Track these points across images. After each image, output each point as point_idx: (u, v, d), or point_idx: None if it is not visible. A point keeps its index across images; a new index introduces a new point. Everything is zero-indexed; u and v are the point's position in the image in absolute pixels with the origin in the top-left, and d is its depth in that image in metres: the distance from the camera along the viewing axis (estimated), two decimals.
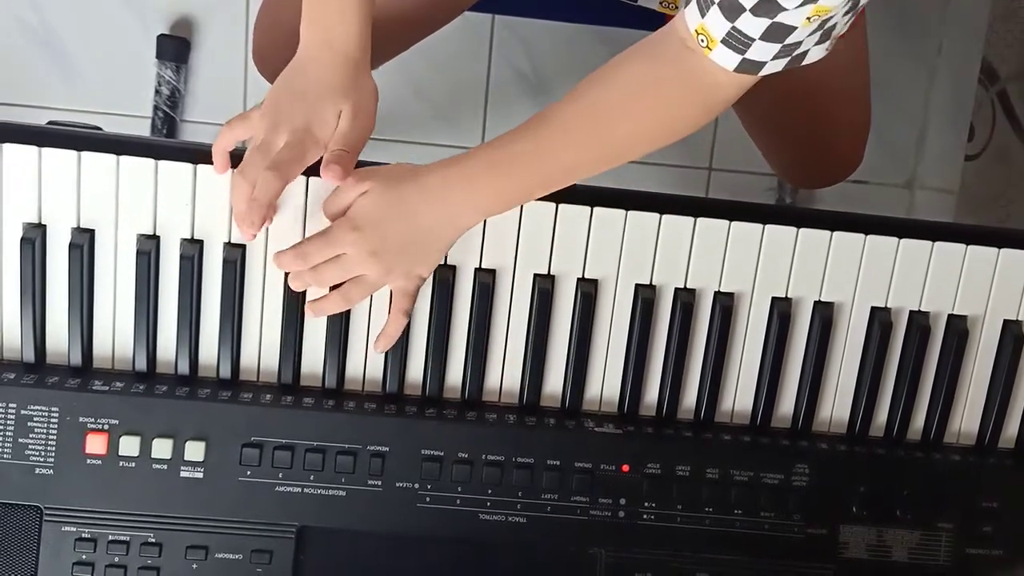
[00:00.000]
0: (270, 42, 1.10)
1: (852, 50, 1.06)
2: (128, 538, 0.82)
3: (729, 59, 0.75)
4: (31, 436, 0.81)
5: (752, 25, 0.72)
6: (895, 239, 0.87)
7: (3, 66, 1.52)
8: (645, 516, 0.85)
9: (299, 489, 0.83)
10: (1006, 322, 0.89)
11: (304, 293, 0.84)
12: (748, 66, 0.75)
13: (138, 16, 1.52)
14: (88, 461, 0.81)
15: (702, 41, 0.75)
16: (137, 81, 1.52)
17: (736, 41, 0.74)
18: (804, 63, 0.77)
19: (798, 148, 1.18)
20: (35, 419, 0.81)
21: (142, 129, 1.53)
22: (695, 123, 0.81)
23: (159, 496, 0.82)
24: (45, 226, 0.82)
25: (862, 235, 0.87)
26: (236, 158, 0.82)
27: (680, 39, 0.77)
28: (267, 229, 0.83)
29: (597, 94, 0.80)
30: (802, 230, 0.86)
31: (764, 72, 0.76)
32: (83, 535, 0.82)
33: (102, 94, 1.53)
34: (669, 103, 0.80)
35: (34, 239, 0.82)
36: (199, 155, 0.83)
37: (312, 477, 0.83)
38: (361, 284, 0.82)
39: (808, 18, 0.71)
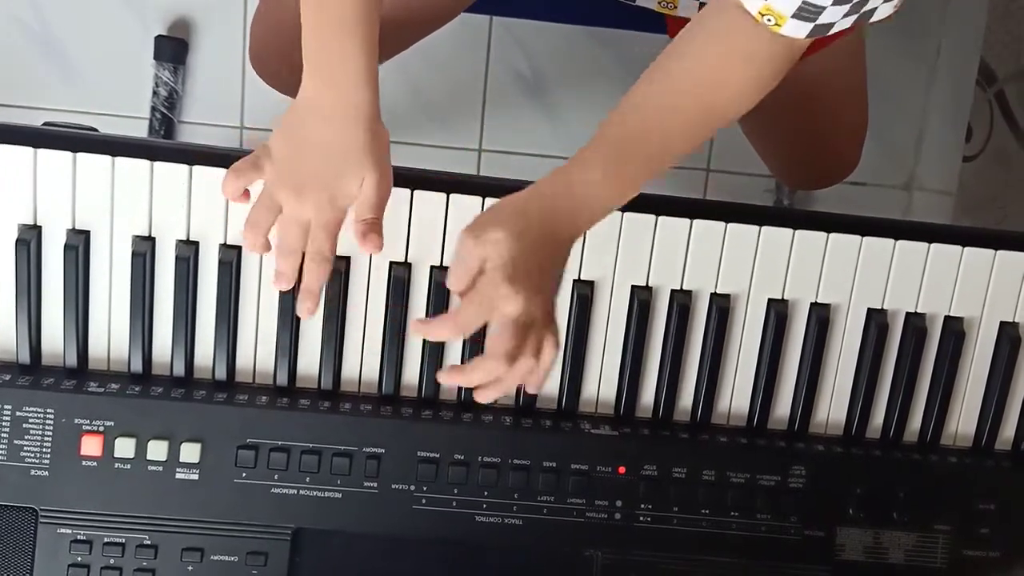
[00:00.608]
0: (267, 43, 1.10)
1: (850, 51, 1.06)
2: (124, 540, 0.82)
3: (800, 29, 0.75)
4: (26, 438, 0.81)
5: None
6: (891, 241, 0.87)
7: (1, 66, 1.52)
8: (641, 518, 0.85)
9: (295, 491, 0.83)
10: (1003, 324, 0.89)
11: (294, 299, 0.84)
12: (819, 30, 0.75)
13: (136, 17, 1.52)
14: (84, 463, 0.81)
15: (769, 20, 0.75)
16: (135, 82, 1.52)
17: (807, 12, 0.73)
18: (871, 21, 0.77)
19: (796, 149, 1.18)
20: (30, 421, 0.81)
21: (140, 130, 1.53)
22: (766, 86, 0.80)
23: (155, 498, 0.82)
24: (40, 227, 0.82)
25: (858, 237, 0.87)
26: (228, 159, 0.81)
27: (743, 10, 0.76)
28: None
29: (675, 67, 0.79)
30: (798, 232, 0.86)
31: (834, 31, 0.76)
32: (79, 537, 0.82)
33: (100, 95, 1.53)
34: (746, 74, 0.79)
35: (29, 240, 0.81)
36: (194, 156, 0.83)
37: (308, 479, 0.83)
38: (514, 329, 0.75)
39: None
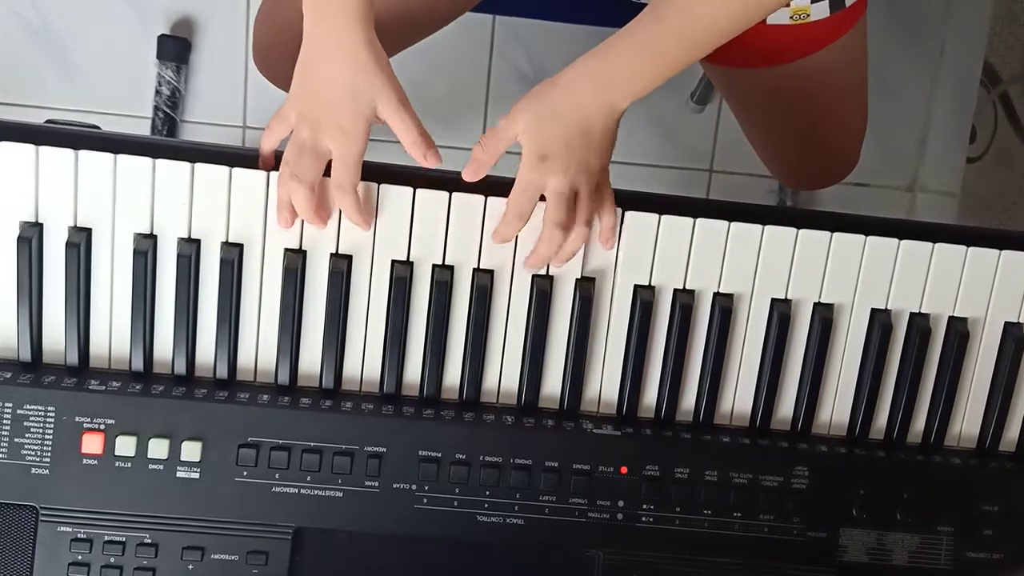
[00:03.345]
0: (270, 42, 1.10)
1: (852, 50, 1.06)
2: (124, 538, 0.82)
3: None
4: (27, 436, 0.81)
5: None
6: (895, 240, 0.87)
7: (3, 65, 1.52)
8: (644, 518, 0.85)
9: (296, 490, 0.83)
10: (1007, 324, 0.89)
11: (301, 295, 0.84)
12: None
13: (139, 16, 1.52)
14: (84, 461, 0.81)
15: None
16: (138, 81, 1.52)
17: None
18: None
19: (796, 149, 1.18)
20: (31, 419, 0.81)
21: (142, 129, 1.53)
22: None
23: (155, 496, 0.82)
24: (42, 225, 0.82)
25: (862, 236, 0.86)
26: (230, 157, 0.81)
27: None
28: (266, 226, 0.83)
29: None
30: (802, 231, 0.86)
31: None
32: (79, 535, 0.81)
33: (103, 94, 1.53)
34: None
35: (31, 238, 0.81)
36: (196, 154, 0.83)
37: (309, 478, 0.83)
38: (559, 200, 0.81)
39: None
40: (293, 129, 0.83)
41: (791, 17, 0.98)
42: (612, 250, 0.85)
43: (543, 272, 0.85)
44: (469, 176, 0.83)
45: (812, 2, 0.97)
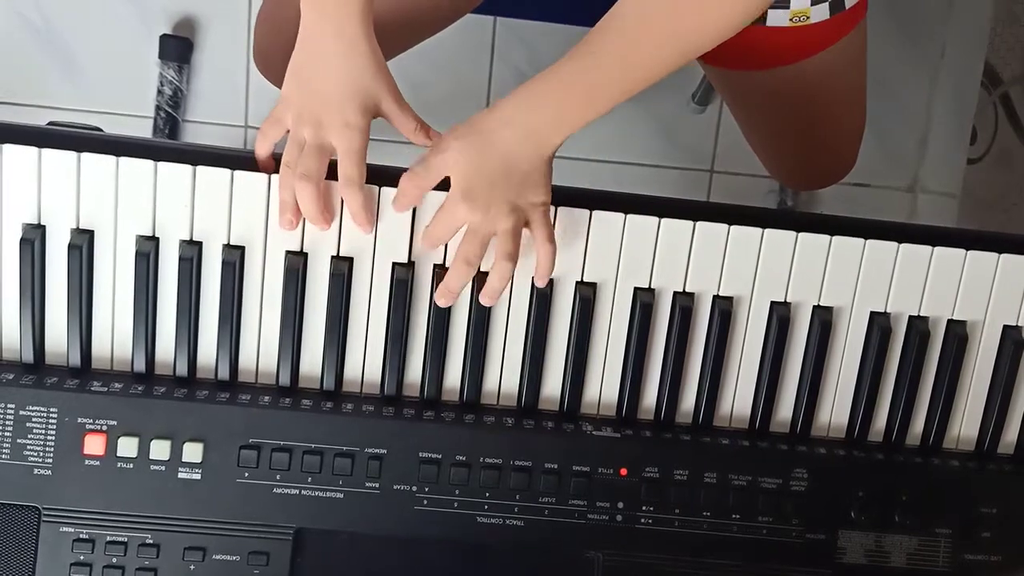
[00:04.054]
0: (271, 42, 1.11)
1: (851, 52, 1.06)
2: (126, 539, 0.82)
3: None
4: (30, 437, 0.81)
5: None
6: (895, 244, 0.87)
7: (5, 65, 1.52)
8: (643, 520, 0.85)
9: (297, 491, 0.83)
10: (1006, 328, 0.89)
11: (302, 297, 0.84)
12: None
13: (141, 16, 1.52)
14: (86, 462, 0.82)
15: None
16: (139, 81, 1.53)
17: None
18: None
19: (794, 149, 1.18)
20: (34, 420, 0.81)
21: (144, 129, 1.53)
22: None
23: (157, 497, 0.82)
24: (44, 227, 0.83)
25: (862, 240, 0.87)
26: (231, 160, 0.82)
27: None
28: (267, 229, 0.83)
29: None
30: (801, 234, 0.86)
31: None
32: (81, 536, 0.82)
33: (104, 94, 1.53)
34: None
35: (33, 240, 0.82)
36: (198, 156, 0.83)
37: (310, 479, 0.83)
38: (470, 236, 0.81)
39: None
40: (289, 130, 0.83)
41: (791, 19, 0.98)
42: (546, 281, 0.83)
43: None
44: (398, 209, 0.83)
45: (812, 4, 0.97)
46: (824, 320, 0.87)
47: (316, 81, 0.82)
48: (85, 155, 0.82)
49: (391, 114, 0.83)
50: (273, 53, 1.11)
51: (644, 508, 0.85)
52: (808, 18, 0.98)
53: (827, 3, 0.97)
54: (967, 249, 0.87)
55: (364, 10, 0.82)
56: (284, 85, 0.84)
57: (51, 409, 0.81)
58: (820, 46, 1.03)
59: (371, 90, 0.82)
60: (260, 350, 0.86)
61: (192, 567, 0.82)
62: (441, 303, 0.83)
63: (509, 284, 0.83)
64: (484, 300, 0.83)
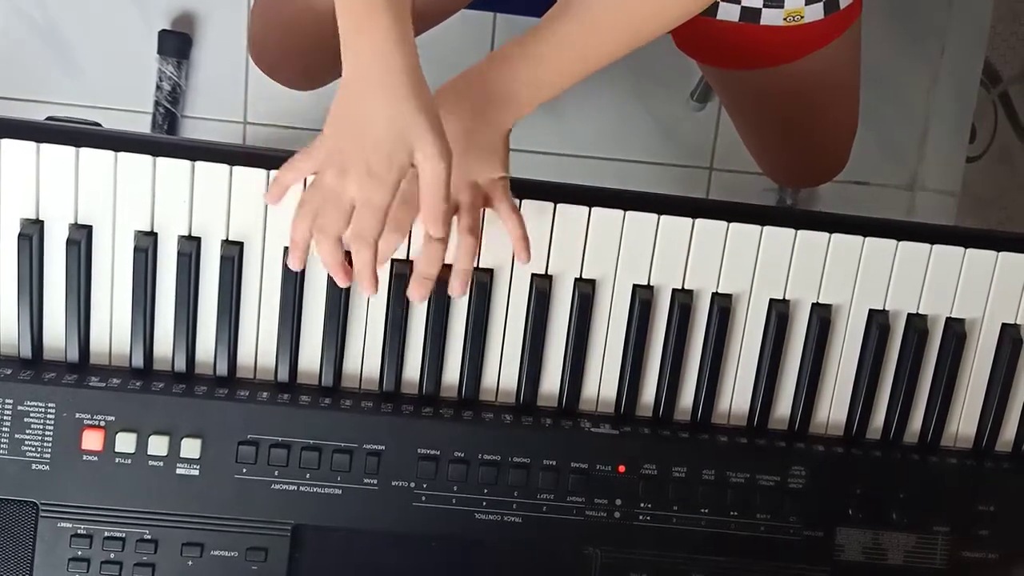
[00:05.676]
0: (267, 37, 1.10)
1: (845, 52, 1.06)
2: (124, 534, 0.82)
3: None
4: (27, 432, 0.81)
5: None
6: (893, 241, 0.87)
7: (4, 60, 1.52)
8: (641, 517, 0.85)
9: (295, 487, 0.83)
10: (1004, 326, 0.89)
11: (301, 293, 0.84)
12: None
13: (140, 11, 1.52)
14: (84, 457, 0.82)
15: None
16: (138, 76, 1.52)
17: None
18: None
19: (788, 148, 1.18)
20: (32, 415, 0.81)
21: (143, 125, 1.53)
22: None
23: (155, 493, 0.82)
24: (43, 222, 0.82)
25: (860, 237, 0.87)
26: (229, 155, 0.81)
27: None
28: (266, 224, 0.83)
29: None
30: (800, 232, 0.86)
31: None
32: (79, 531, 0.82)
33: (103, 89, 1.53)
34: None
35: (32, 235, 0.82)
36: (197, 152, 0.83)
37: (308, 475, 0.83)
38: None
39: None
40: (317, 171, 0.78)
41: (785, 19, 0.98)
42: (530, 259, 0.82)
43: (542, 271, 0.85)
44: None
45: (806, 4, 0.97)
46: (823, 317, 0.87)
47: (355, 115, 0.77)
48: (84, 150, 0.82)
49: (422, 173, 0.76)
50: (270, 48, 1.11)
51: (642, 505, 0.85)
52: (802, 18, 0.98)
53: (821, 3, 0.97)
54: (966, 247, 0.87)
55: (410, 56, 0.80)
56: (325, 128, 0.78)
57: (49, 404, 0.81)
58: (814, 46, 1.03)
59: (407, 138, 0.76)
60: (259, 346, 0.86)
61: (190, 563, 0.82)
62: (416, 298, 0.80)
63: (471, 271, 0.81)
64: (456, 289, 0.80)
